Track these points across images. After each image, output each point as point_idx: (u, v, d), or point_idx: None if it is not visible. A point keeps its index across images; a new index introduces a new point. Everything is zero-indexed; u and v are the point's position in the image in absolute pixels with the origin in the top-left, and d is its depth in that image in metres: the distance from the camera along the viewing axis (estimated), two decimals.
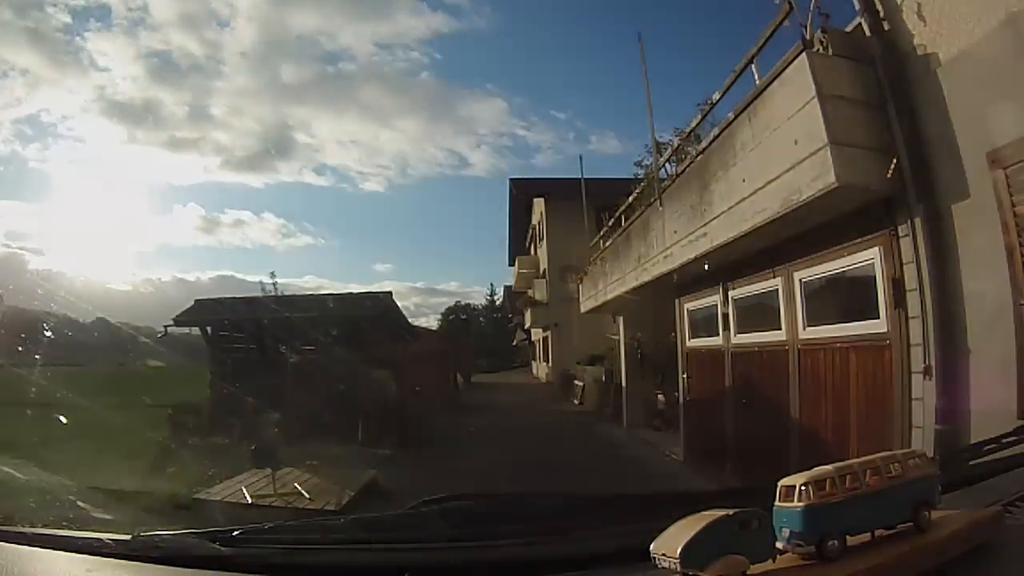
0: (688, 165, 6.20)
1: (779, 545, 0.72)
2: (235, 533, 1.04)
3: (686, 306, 7.54)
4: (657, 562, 0.67)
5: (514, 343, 39.46)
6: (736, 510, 0.69)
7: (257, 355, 10.29)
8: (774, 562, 0.72)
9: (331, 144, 74.28)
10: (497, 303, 46.56)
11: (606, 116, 71.51)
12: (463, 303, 51.39)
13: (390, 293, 12.77)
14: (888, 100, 3.56)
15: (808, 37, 3.84)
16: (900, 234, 3.66)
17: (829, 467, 0.76)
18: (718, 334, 6.50)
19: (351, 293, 12.22)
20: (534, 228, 27.04)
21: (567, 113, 77.68)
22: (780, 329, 5.13)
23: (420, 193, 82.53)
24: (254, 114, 72.40)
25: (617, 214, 9.88)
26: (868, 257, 3.98)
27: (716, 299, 6.49)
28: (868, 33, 3.71)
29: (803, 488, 0.73)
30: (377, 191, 78.45)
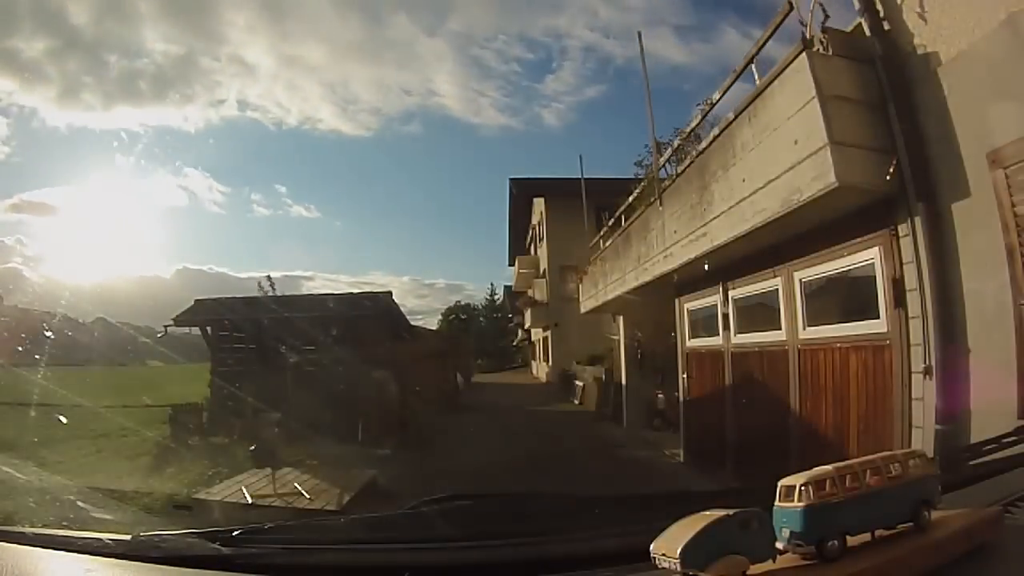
0: (688, 165, 6.20)
1: (779, 545, 0.72)
2: (235, 533, 1.05)
3: (686, 306, 7.54)
4: (657, 562, 0.67)
5: (514, 343, 39.44)
6: (736, 510, 0.69)
7: (257, 355, 10.29)
8: (774, 562, 0.72)
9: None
10: (497, 303, 46.54)
11: None
12: (462, 303, 51.37)
13: (390, 293, 12.79)
14: (888, 100, 3.56)
15: (808, 37, 3.84)
16: (900, 234, 3.66)
17: (829, 467, 0.76)
18: (718, 334, 6.49)
19: (351, 293, 12.23)
20: (534, 228, 27.04)
21: None
22: (780, 329, 5.13)
23: (402, 154, 68.23)
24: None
25: (617, 214, 9.88)
26: (868, 257, 3.98)
27: (716, 299, 6.48)
28: (868, 33, 3.70)
29: (803, 488, 0.73)
30: (343, 139, 61.81)
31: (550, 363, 23.43)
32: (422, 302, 73.13)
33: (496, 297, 46.79)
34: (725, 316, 6.30)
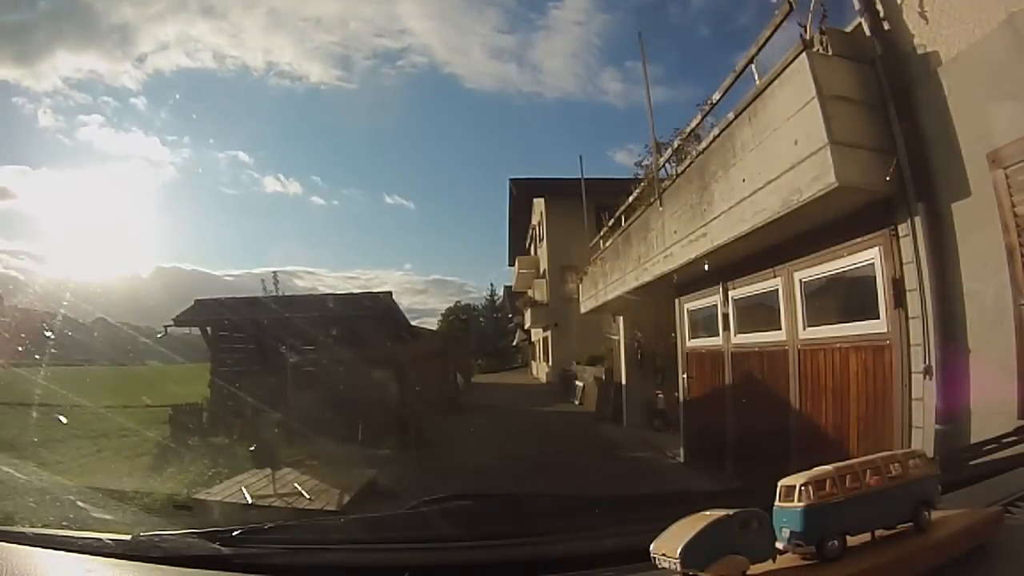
0: (688, 165, 6.20)
1: (779, 545, 0.72)
2: (235, 533, 1.05)
3: (686, 306, 7.54)
4: (657, 562, 0.67)
5: (514, 343, 39.44)
6: (736, 510, 0.69)
7: (257, 355, 10.28)
8: (774, 562, 0.72)
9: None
10: (497, 303, 46.54)
11: None
12: (462, 302, 51.37)
13: (390, 293, 12.76)
14: (888, 100, 3.56)
15: (808, 37, 3.84)
16: (900, 234, 3.66)
17: (829, 467, 0.76)
18: (718, 334, 6.49)
19: (351, 293, 12.24)
20: (534, 228, 27.05)
21: None
22: (780, 329, 5.13)
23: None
24: None
25: (617, 214, 9.88)
26: (868, 257, 3.98)
27: (716, 299, 6.48)
28: (868, 33, 3.70)
29: (803, 488, 0.73)
30: (317, 93, 52.32)
31: (550, 363, 23.43)
32: (418, 299, 71.78)
33: (496, 297, 46.81)
34: (725, 316, 6.30)
